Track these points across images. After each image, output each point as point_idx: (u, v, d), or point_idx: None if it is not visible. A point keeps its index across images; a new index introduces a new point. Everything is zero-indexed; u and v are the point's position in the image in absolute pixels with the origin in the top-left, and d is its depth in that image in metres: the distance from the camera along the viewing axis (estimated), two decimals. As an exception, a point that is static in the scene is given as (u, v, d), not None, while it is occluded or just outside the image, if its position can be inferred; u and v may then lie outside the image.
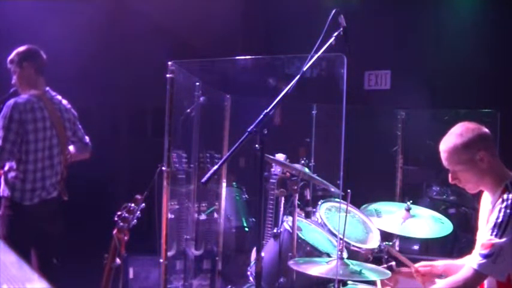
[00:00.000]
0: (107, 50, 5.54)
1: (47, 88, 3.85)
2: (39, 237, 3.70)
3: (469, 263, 2.40)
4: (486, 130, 2.54)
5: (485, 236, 2.38)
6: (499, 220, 2.34)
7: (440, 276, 2.88)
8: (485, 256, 2.33)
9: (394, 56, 6.33)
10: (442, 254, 4.90)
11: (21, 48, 3.78)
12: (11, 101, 3.61)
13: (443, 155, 2.55)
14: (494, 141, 2.58)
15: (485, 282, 2.48)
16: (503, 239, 2.31)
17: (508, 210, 2.33)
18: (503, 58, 5.68)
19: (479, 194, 2.69)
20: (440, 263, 2.90)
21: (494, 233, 2.33)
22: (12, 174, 3.64)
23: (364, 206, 3.78)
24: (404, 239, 4.31)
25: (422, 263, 2.95)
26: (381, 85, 6.64)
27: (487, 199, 2.59)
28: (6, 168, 3.68)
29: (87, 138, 4.06)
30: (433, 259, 3.11)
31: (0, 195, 3.69)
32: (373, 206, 3.78)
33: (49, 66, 3.90)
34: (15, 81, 3.80)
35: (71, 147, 3.97)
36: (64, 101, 3.94)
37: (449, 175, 2.59)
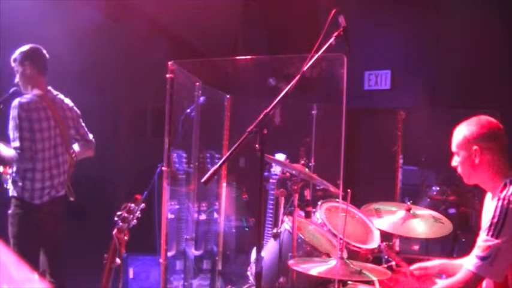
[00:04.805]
0: (107, 50, 5.54)
1: (49, 88, 3.87)
2: (48, 235, 3.73)
3: (467, 265, 2.39)
4: (496, 131, 2.56)
5: (481, 235, 2.37)
6: (495, 220, 2.33)
7: (440, 275, 2.88)
8: (482, 258, 2.32)
9: (394, 56, 6.33)
10: (442, 254, 4.89)
11: (24, 48, 3.80)
12: (15, 102, 3.64)
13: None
14: (503, 143, 2.56)
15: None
16: (500, 239, 2.29)
17: (504, 209, 2.32)
18: (503, 58, 5.68)
19: (480, 194, 2.70)
20: (436, 263, 2.90)
21: (491, 233, 2.32)
22: (21, 173, 3.66)
23: (364, 206, 3.78)
24: (404, 239, 4.31)
25: (417, 265, 2.94)
26: (381, 85, 6.63)
27: (489, 198, 2.59)
28: (14, 168, 3.70)
29: (90, 136, 4.07)
30: (433, 259, 3.10)
31: (10, 195, 3.71)
32: (373, 206, 3.78)
33: (50, 66, 3.90)
34: (18, 80, 3.82)
35: (75, 146, 4.00)
36: (66, 100, 3.96)
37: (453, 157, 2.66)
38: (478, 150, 2.50)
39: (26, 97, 3.70)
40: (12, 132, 3.62)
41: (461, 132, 2.58)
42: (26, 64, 3.77)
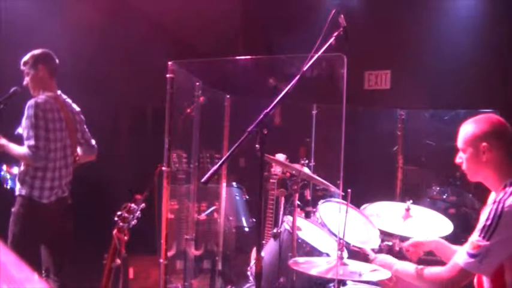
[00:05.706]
0: (107, 50, 5.53)
1: (59, 92, 3.91)
2: (55, 234, 3.76)
3: (456, 259, 2.41)
4: (506, 129, 2.52)
5: (474, 234, 2.38)
6: (488, 222, 2.33)
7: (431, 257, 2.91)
8: (471, 256, 2.34)
9: (394, 56, 6.33)
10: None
11: (37, 51, 3.84)
12: (31, 101, 3.67)
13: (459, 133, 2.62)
14: (510, 142, 2.52)
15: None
16: (491, 242, 2.30)
17: (499, 213, 2.32)
18: (503, 58, 5.68)
19: (480, 194, 2.70)
20: (432, 240, 2.91)
21: (482, 235, 2.32)
22: (31, 172, 3.67)
23: (364, 206, 3.78)
24: (404, 239, 4.31)
25: (411, 240, 2.96)
26: (381, 85, 6.63)
27: (492, 196, 2.58)
28: (22, 167, 3.72)
29: (93, 141, 4.12)
30: (433, 258, 3.10)
31: (17, 194, 3.73)
32: (373, 206, 3.78)
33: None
34: (28, 83, 3.84)
35: (78, 149, 4.04)
36: (74, 105, 4.02)
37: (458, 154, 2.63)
38: (487, 147, 2.47)
39: (41, 97, 3.73)
40: (26, 131, 3.62)
41: (470, 128, 2.54)
42: (39, 67, 3.80)
